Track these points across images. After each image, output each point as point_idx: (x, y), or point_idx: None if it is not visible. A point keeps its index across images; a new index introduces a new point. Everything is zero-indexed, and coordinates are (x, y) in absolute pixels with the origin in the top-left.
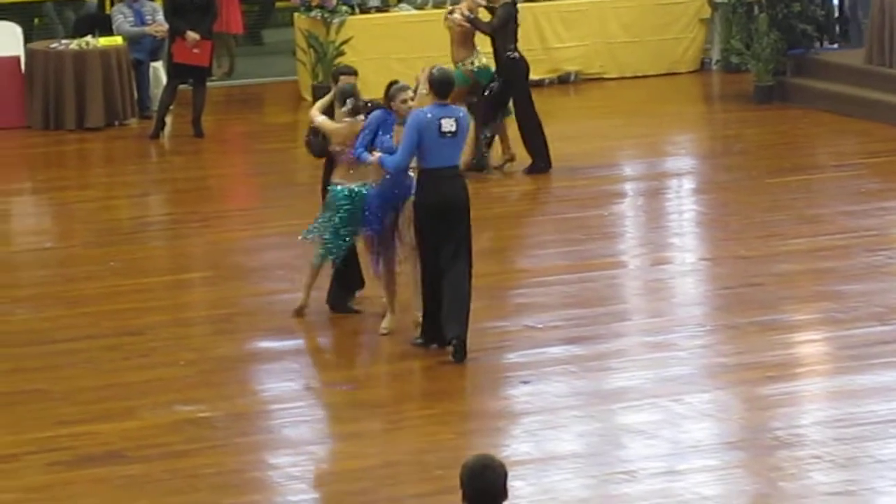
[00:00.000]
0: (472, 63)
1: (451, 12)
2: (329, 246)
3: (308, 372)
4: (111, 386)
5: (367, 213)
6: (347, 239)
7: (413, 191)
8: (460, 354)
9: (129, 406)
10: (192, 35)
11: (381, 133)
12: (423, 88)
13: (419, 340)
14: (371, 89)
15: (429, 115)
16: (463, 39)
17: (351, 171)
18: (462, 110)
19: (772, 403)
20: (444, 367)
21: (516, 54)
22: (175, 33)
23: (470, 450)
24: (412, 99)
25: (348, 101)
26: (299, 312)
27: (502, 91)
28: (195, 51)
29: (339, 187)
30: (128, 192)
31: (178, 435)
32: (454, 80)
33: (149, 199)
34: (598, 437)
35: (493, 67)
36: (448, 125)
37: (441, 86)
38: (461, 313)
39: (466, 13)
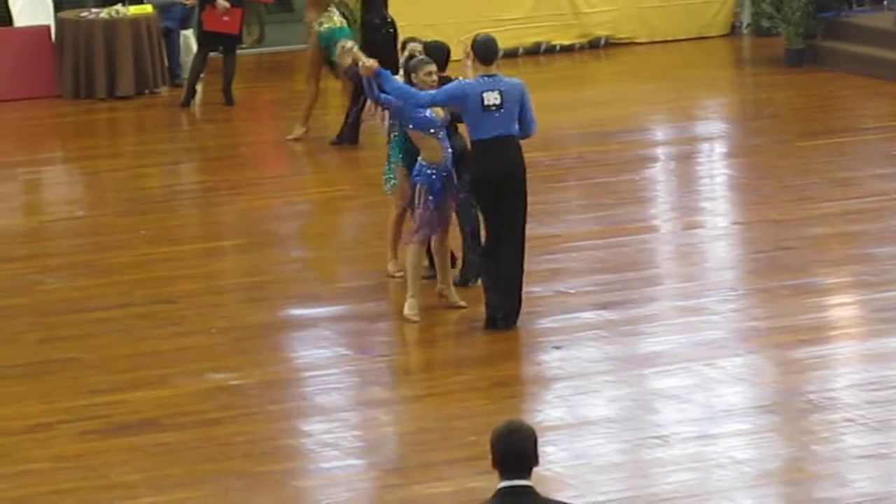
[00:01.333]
0: (321, 24)
1: None
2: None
3: (340, 339)
4: (144, 354)
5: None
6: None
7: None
8: (496, 325)
9: (161, 374)
10: (221, 3)
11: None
12: (470, 62)
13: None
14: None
15: (470, 87)
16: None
17: None
18: (506, 81)
19: (804, 367)
20: (475, 334)
21: (378, 21)
22: (205, 1)
23: (502, 415)
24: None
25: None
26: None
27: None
28: (225, 18)
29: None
30: (159, 161)
31: (211, 403)
32: (497, 45)
33: (180, 167)
34: (631, 402)
35: (344, 27)
36: (491, 98)
37: (485, 52)
38: (510, 290)
39: None
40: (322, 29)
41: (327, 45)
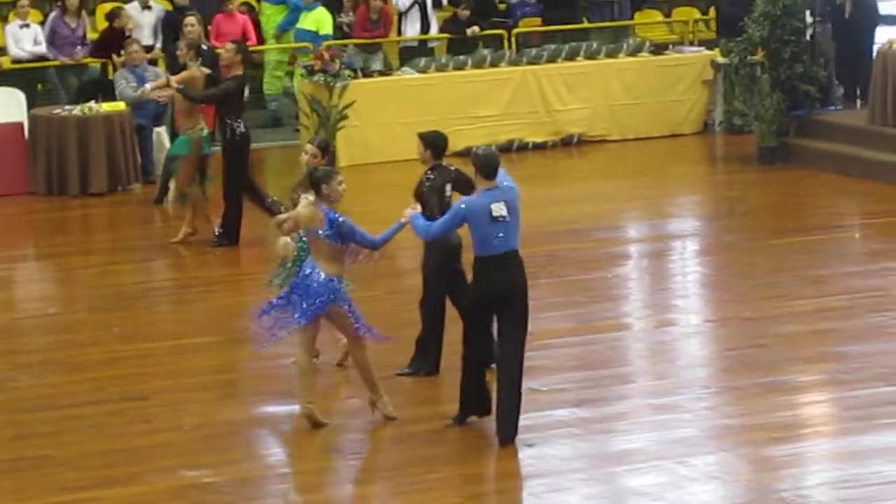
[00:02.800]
0: (202, 130)
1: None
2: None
3: (312, 436)
4: (115, 451)
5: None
6: None
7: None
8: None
9: (133, 471)
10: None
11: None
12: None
13: (455, 419)
14: (375, 153)
15: (474, 204)
16: (188, 109)
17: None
18: (508, 188)
19: (777, 465)
20: (448, 431)
21: (241, 127)
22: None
23: None
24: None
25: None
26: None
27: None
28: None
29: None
30: (132, 258)
31: (184, 500)
32: (499, 159)
33: (152, 264)
34: (604, 500)
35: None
36: (498, 210)
37: (486, 167)
38: (516, 411)
39: (175, 85)
40: (201, 134)
41: (203, 149)
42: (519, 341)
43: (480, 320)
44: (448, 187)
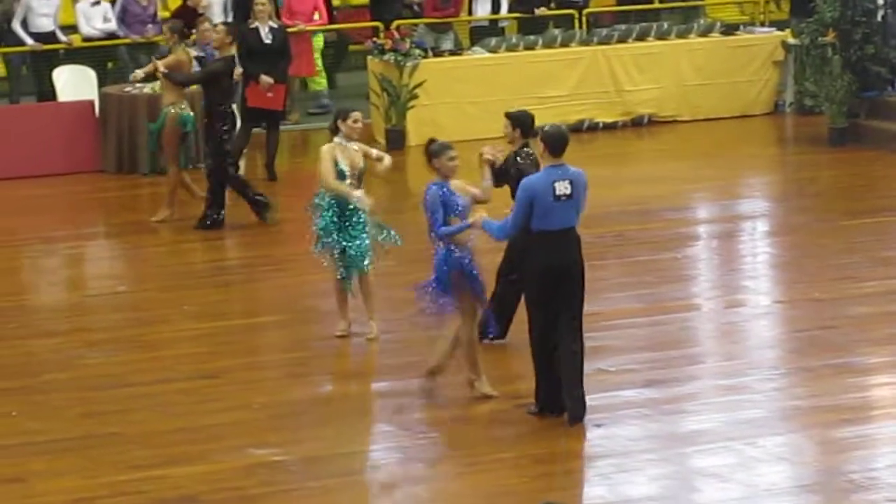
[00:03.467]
0: (179, 106)
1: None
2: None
3: (382, 416)
4: (184, 430)
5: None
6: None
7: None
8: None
9: (202, 450)
10: (265, 79)
11: (449, 197)
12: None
13: (534, 409)
14: (445, 132)
15: (538, 183)
16: (172, 87)
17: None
18: (573, 171)
19: (846, 446)
20: (517, 412)
21: (227, 110)
22: (249, 77)
23: (543, 494)
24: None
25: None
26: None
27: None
28: (269, 95)
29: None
30: (202, 236)
31: (252, 479)
32: (568, 136)
33: (222, 242)
34: (672, 481)
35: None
36: (562, 188)
37: (555, 142)
38: (580, 390)
39: (162, 69)
40: (180, 111)
41: (184, 126)
42: (576, 316)
43: (541, 296)
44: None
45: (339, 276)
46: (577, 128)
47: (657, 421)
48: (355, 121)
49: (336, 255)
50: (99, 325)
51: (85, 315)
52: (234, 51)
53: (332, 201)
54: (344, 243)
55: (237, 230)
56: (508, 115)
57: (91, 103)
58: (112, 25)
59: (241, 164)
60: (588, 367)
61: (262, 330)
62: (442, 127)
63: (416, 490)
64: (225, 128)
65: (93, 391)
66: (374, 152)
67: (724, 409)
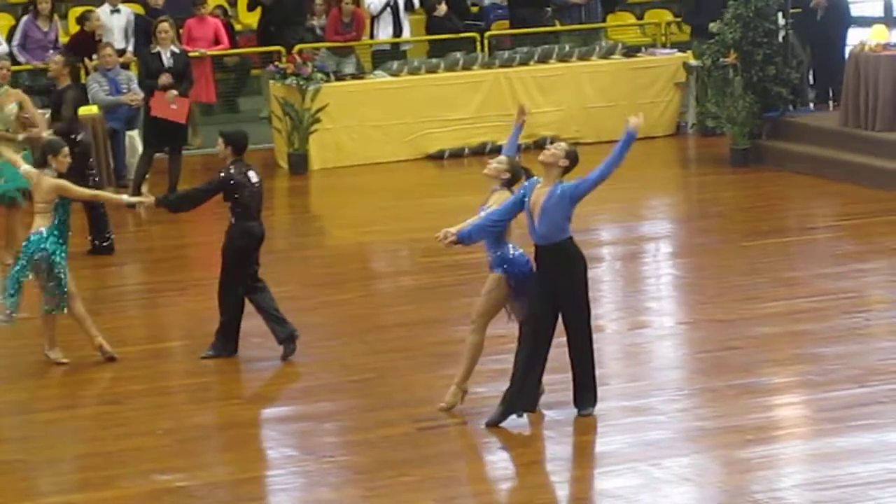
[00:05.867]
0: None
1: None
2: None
3: (286, 440)
4: (89, 455)
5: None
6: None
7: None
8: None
9: (107, 476)
10: (172, 91)
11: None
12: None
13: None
14: (348, 156)
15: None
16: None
17: None
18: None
19: (751, 467)
20: (422, 434)
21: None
22: (152, 90)
23: None
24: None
25: None
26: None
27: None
28: (173, 107)
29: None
30: (105, 262)
31: None
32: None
33: (126, 268)
34: (577, 502)
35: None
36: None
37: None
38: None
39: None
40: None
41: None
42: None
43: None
44: None
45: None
46: (479, 150)
47: (561, 443)
48: (65, 155)
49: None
50: (0, 352)
51: None
52: (69, 81)
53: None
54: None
55: (139, 254)
56: (222, 134)
57: None
58: (2, 48)
59: (144, 189)
60: (492, 389)
61: (166, 355)
62: (345, 151)
63: None
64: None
65: None
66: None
67: (628, 431)
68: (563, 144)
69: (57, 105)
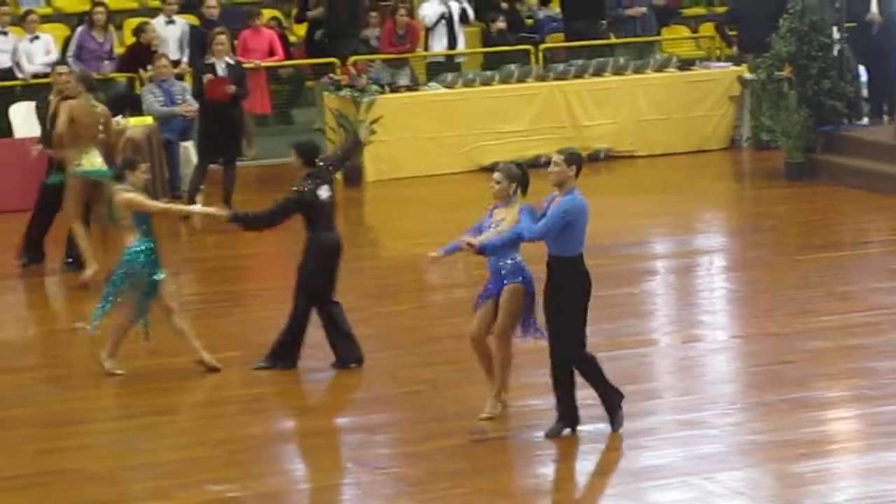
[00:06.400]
0: (80, 165)
1: None
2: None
3: (337, 451)
4: (142, 466)
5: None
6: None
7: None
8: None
9: (160, 486)
10: (231, 86)
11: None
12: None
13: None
14: (402, 168)
15: (585, 201)
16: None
17: None
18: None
19: (804, 481)
20: (474, 446)
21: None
22: (204, 70)
23: None
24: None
25: None
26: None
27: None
28: (229, 90)
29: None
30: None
31: None
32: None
33: (180, 278)
34: None
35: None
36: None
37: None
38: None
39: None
40: (81, 169)
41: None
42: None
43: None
44: None
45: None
46: (534, 163)
47: (614, 456)
48: (143, 171)
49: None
50: (58, 362)
51: (43, 351)
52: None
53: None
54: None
55: (193, 265)
56: (294, 146)
57: None
58: (53, 57)
59: (198, 200)
60: (545, 402)
61: (221, 366)
62: (399, 163)
63: None
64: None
65: (51, 427)
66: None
67: (681, 444)
68: (557, 157)
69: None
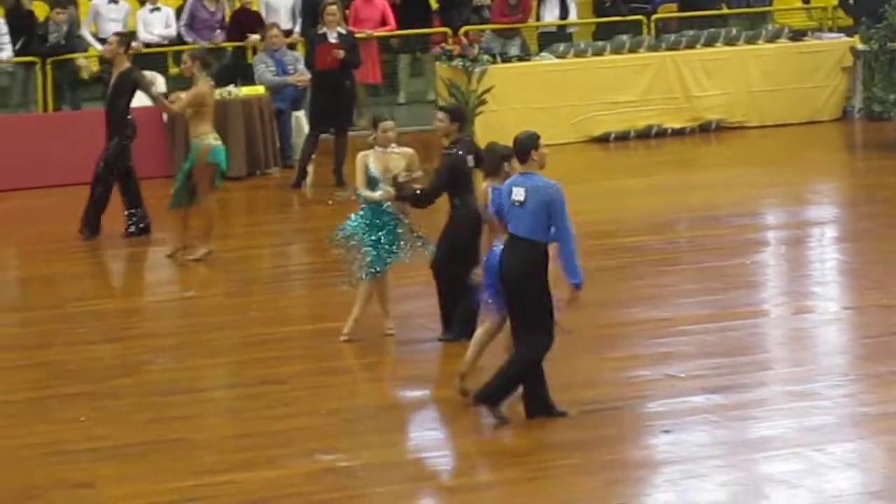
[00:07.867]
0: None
1: None
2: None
3: (450, 421)
4: (252, 435)
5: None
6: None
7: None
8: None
9: (270, 455)
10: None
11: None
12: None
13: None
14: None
15: (507, 182)
16: (194, 115)
17: None
18: (542, 183)
19: None
20: (585, 417)
21: (132, 121)
22: (315, 40)
23: (610, 500)
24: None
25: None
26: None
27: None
28: (338, 54)
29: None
30: (270, 242)
31: (320, 484)
32: (528, 142)
33: (290, 248)
34: (740, 487)
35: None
36: (517, 194)
37: (517, 149)
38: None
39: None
40: (211, 143)
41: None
42: (514, 325)
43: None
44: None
45: (363, 276)
46: (645, 133)
47: (725, 427)
48: (384, 130)
49: (362, 255)
50: (166, 331)
51: (152, 320)
52: (127, 63)
53: (365, 206)
54: (376, 241)
55: (304, 234)
56: (444, 109)
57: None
58: (172, 31)
59: (310, 169)
60: (656, 372)
61: (330, 335)
62: (510, 133)
63: (483, 496)
64: (128, 138)
65: (160, 396)
66: (415, 174)
67: (792, 416)
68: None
69: (117, 91)
